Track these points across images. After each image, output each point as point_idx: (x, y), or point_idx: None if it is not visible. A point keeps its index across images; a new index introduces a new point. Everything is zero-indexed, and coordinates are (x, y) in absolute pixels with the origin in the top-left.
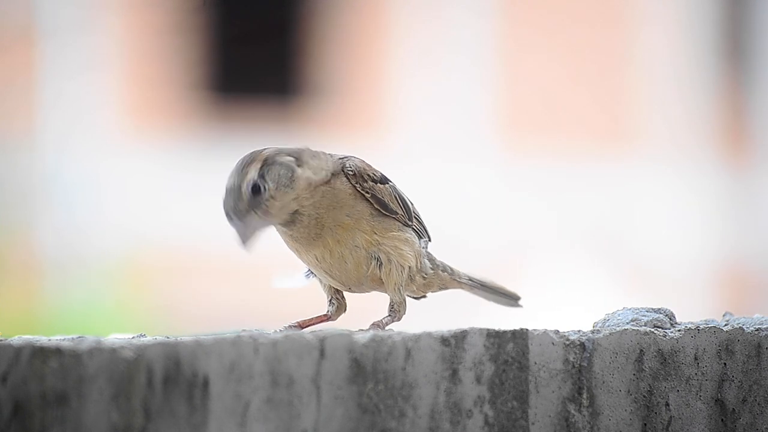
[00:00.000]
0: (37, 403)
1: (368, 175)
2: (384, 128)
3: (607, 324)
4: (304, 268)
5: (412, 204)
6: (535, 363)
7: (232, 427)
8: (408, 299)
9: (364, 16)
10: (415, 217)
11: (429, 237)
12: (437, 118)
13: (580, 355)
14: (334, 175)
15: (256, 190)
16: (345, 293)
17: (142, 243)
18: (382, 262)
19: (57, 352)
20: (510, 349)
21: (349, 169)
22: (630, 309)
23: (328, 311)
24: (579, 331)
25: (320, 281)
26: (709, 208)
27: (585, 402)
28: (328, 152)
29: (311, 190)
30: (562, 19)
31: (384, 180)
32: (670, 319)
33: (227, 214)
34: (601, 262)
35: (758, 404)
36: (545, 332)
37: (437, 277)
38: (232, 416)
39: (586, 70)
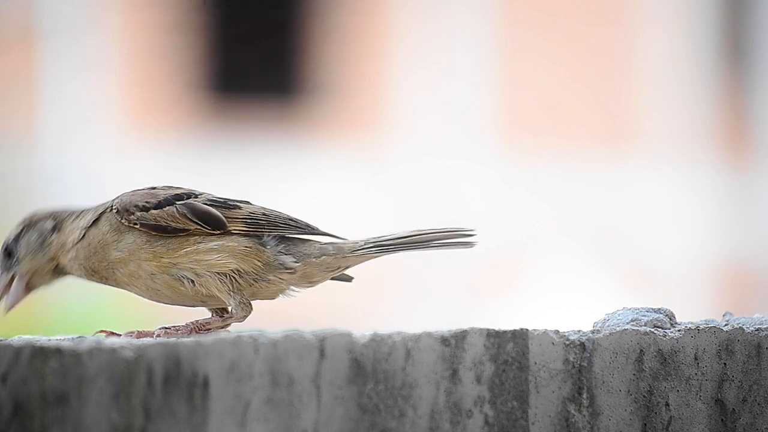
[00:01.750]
0: (37, 403)
1: (135, 206)
2: (384, 127)
3: (607, 324)
4: None
5: (235, 208)
6: (535, 363)
7: (232, 427)
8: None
9: (363, 16)
10: (243, 219)
11: (299, 227)
12: (437, 118)
13: (580, 355)
14: (95, 220)
15: (7, 252)
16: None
17: None
18: (192, 279)
19: (57, 352)
20: (510, 349)
21: (115, 206)
22: (630, 309)
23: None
24: (579, 331)
25: None
26: (709, 208)
27: (585, 402)
28: (104, 202)
29: (66, 250)
30: (563, 19)
31: (170, 202)
32: (670, 319)
33: None
34: (601, 262)
35: (758, 404)
36: (545, 332)
37: (312, 266)
38: (232, 416)
39: (586, 70)
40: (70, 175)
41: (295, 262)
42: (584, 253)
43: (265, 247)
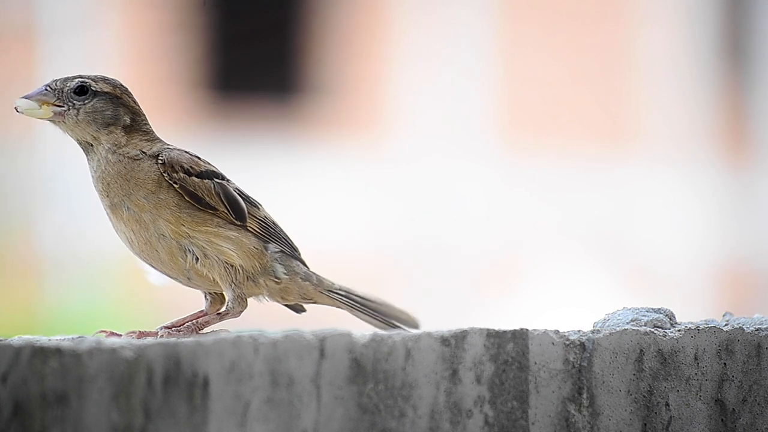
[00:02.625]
0: (37, 403)
1: (182, 166)
2: (384, 127)
3: (607, 324)
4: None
5: (255, 207)
6: (535, 363)
7: (232, 427)
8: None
9: (363, 15)
10: (259, 221)
11: (292, 246)
12: (437, 118)
13: (580, 355)
14: (148, 157)
15: (79, 91)
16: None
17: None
18: (198, 257)
19: (57, 352)
20: (510, 349)
21: (161, 157)
22: (630, 309)
23: (204, 308)
24: (579, 331)
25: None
26: (709, 208)
27: (585, 402)
28: (165, 142)
29: (112, 150)
30: (563, 19)
31: (207, 176)
32: (670, 319)
33: (48, 82)
34: (601, 262)
35: (758, 404)
36: (545, 332)
37: (295, 284)
38: (232, 416)
39: (586, 70)
40: (70, 175)
41: (285, 274)
42: (584, 253)
43: (266, 251)
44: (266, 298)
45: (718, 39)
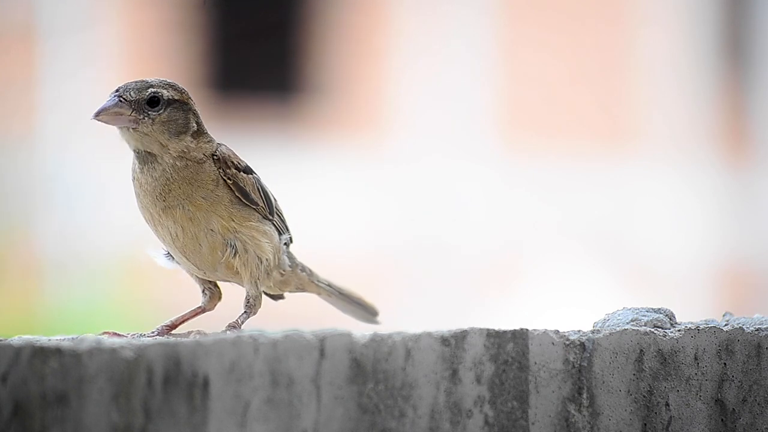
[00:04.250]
0: (37, 403)
1: (232, 162)
2: (384, 127)
3: (607, 324)
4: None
5: (275, 200)
6: (535, 363)
7: (232, 427)
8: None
9: (363, 15)
10: (277, 214)
11: (290, 235)
12: (437, 117)
13: (580, 355)
14: (207, 157)
15: (152, 102)
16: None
17: (141, 243)
18: (237, 251)
19: (57, 352)
20: (510, 349)
21: (216, 154)
22: (630, 309)
23: (202, 303)
24: (579, 331)
25: (186, 271)
26: (709, 208)
27: (585, 402)
28: (213, 137)
29: (180, 156)
30: (563, 19)
31: (248, 170)
32: (670, 319)
33: (117, 89)
34: (601, 262)
35: (758, 404)
36: (545, 332)
37: (295, 276)
38: (232, 416)
39: (586, 70)
40: (70, 175)
41: (289, 266)
42: (584, 253)
43: (280, 244)
44: (264, 290)
45: (718, 39)
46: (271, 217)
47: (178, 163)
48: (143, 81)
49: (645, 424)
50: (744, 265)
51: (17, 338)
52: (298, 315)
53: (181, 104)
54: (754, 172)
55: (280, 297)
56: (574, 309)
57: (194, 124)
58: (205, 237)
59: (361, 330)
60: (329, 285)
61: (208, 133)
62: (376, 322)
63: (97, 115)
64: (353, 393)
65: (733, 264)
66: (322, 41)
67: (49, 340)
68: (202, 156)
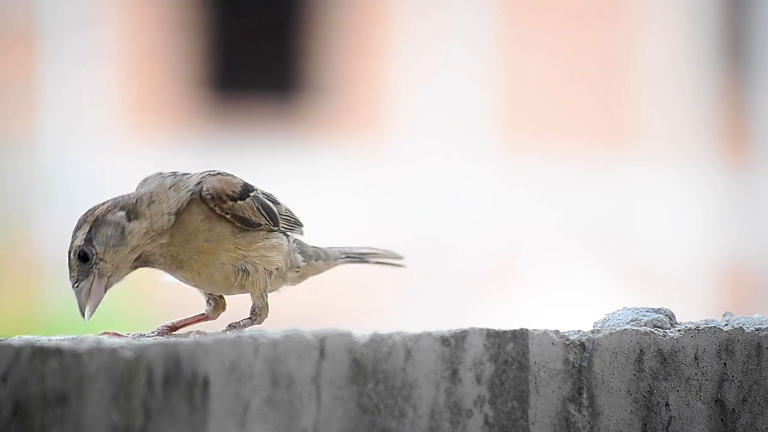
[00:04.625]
0: (37, 403)
1: (227, 195)
2: (384, 127)
3: (607, 324)
4: None
5: (277, 204)
6: (535, 363)
7: (232, 427)
8: (282, 298)
9: (364, 14)
10: (283, 215)
11: (301, 227)
12: (437, 117)
13: (580, 355)
14: (186, 204)
15: (83, 257)
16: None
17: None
18: (249, 272)
19: (57, 352)
20: (510, 349)
21: (206, 192)
22: (630, 309)
23: (205, 311)
24: (579, 331)
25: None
26: (709, 208)
27: (585, 402)
28: (183, 177)
29: (151, 236)
30: (563, 19)
31: (244, 194)
32: (670, 319)
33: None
34: (601, 262)
35: (758, 404)
36: (545, 332)
37: (311, 268)
38: (232, 416)
39: (586, 70)
40: (70, 175)
41: (303, 261)
42: (584, 253)
43: (290, 245)
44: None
45: (718, 39)
46: (275, 228)
47: (164, 241)
48: (67, 252)
49: (645, 424)
50: (744, 265)
51: (17, 338)
52: (298, 315)
53: (99, 224)
54: (754, 172)
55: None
56: (574, 309)
57: (122, 215)
58: (218, 271)
59: (361, 330)
60: (347, 256)
61: (150, 195)
62: (402, 266)
63: (89, 314)
64: (353, 393)
65: (733, 264)
66: (322, 41)
67: (49, 340)
68: (168, 216)
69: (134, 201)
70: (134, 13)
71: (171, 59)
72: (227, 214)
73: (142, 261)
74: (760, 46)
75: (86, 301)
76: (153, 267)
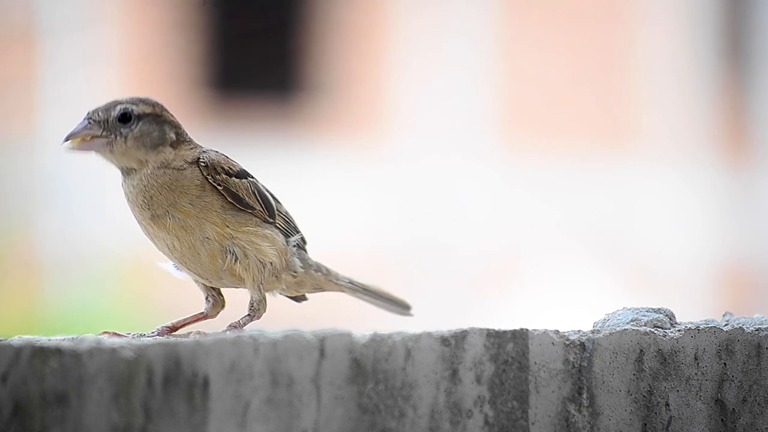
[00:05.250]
0: (37, 403)
1: (222, 167)
2: (384, 126)
3: (607, 324)
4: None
5: (277, 202)
6: (535, 363)
7: (232, 427)
8: (282, 298)
9: (364, 15)
10: (283, 216)
11: (303, 237)
12: (437, 117)
13: (580, 355)
14: (189, 164)
15: (124, 118)
16: (223, 290)
17: (141, 243)
18: (238, 257)
19: (57, 352)
20: (510, 349)
21: (202, 161)
22: (630, 309)
23: (204, 309)
24: (579, 331)
25: (192, 280)
26: (709, 208)
27: (585, 402)
28: (199, 144)
29: (159, 166)
30: (563, 19)
31: (242, 175)
32: (670, 319)
33: (87, 112)
34: (601, 262)
35: (758, 404)
36: (545, 332)
37: (309, 277)
38: (232, 416)
39: (586, 70)
40: (70, 175)
41: (301, 267)
42: (584, 253)
43: (287, 246)
44: (280, 292)
45: (718, 39)
46: (272, 220)
47: (157, 171)
48: (113, 101)
49: (645, 424)
50: (744, 265)
51: (17, 338)
52: (298, 315)
53: (154, 117)
54: (754, 172)
55: (303, 298)
56: (574, 309)
57: (172, 135)
58: (202, 245)
59: (361, 330)
60: (351, 282)
61: (192, 141)
62: (409, 315)
63: (67, 139)
64: (353, 393)
65: (733, 264)
66: (322, 41)
67: (49, 340)
68: (182, 163)
69: (185, 137)
70: (134, 13)
71: (171, 59)
72: (220, 185)
73: (130, 173)
74: (760, 46)
75: (80, 138)
76: (128, 185)
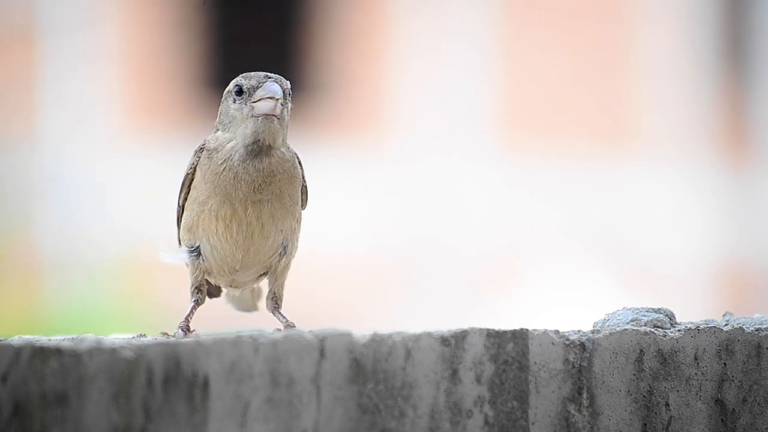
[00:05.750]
0: (37, 403)
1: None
2: (384, 126)
3: (607, 324)
4: (190, 244)
5: None
6: (535, 363)
7: (232, 427)
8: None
9: (364, 14)
10: None
11: None
12: (437, 117)
13: (580, 355)
14: (293, 156)
15: (287, 93)
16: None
17: (142, 243)
18: (285, 253)
19: (57, 352)
20: (510, 349)
21: (297, 155)
22: (630, 309)
23: (194, 299)
24: (579, 331)
25: (194, 266)
26: (709, 208)
27: (585, 402)
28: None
29: (285, 152)
30: (563, 19)
31: None
32: (670, 319)
33: (267, 76)
34: (601, 262)
35: (758, 404)
36: (545, 332)
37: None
38: (232, 416)
39: (587, 69)
40: (70, 175)
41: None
42: (584, 253)
43: None
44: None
45: (718, 39)
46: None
47: (283, 156)
48: (270, 74)
49: (645, 424)
50: (744, 265)
51: (17, 338)
52: (298, 315)
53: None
54: (754, 172)
55: (218, 294)
56: (574, 309)
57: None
58: (274, 237)
59: (361, 330)
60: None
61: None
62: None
63: (274, 99)
64: (353, 393)
65: (733, 264)
66: (322, 41)
67: (49, 340)
68: (292, 155)
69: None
70: (134, 13)
71: (171, 59)
72: (304, 181)
73: (269, 147)
74: (760, 46)
75: (280, 101)
76: (251, 164)
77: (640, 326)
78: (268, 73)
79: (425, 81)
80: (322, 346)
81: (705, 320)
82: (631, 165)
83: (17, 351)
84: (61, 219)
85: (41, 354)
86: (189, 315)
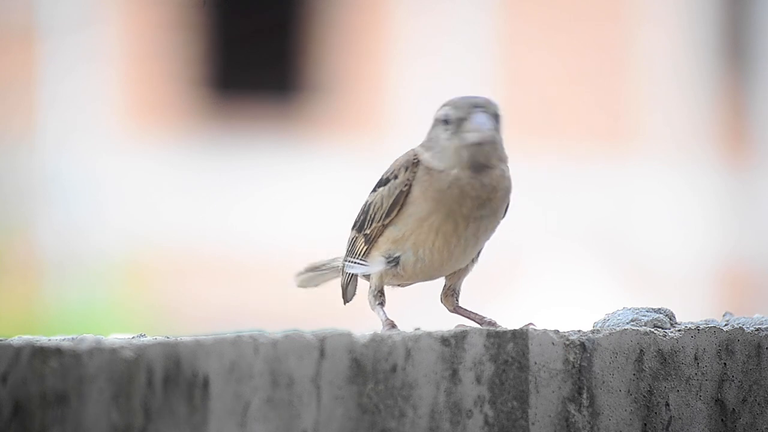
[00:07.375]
0: (37, 403)
1: None
2: (384, 126)
3: (607, 324)
4: (388, 255)
5: None
6: (535, 363)
7: (232, 427)
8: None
9: (363, 15)
10: None
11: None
12: None
13: (580, 355)
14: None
15: (497, 117)
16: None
17: (141, 243)
18: (476, 259)
19: (57, 352)
20: (510, 349)
21: (509, 176)
22: (630, 309)
23: (381, 300)
24: (579, 331)
25: (386, 274)
26: (709, 208)
27: (585, 402)
28: None
29: (504, 171)
30: (563, 19)
31: None
32: (670, 319)
33: (476, 105)
34: (601, 262)
35: (758, 404)
36: (545, 332)
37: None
38: (232, 416)
39: (586, 69)
40: (70, 175)
41: None
42: (584, 253)
43: None
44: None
45: (718, 39)
46: None
47: (504, 175)
48: (479, 96)
49: (645, 424)
50: (744, 265)
51: (17, 338)
52: (298, 315)
53: (501, 122)
54: (754, 172)
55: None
56: (574, 309)
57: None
58: (472, 251)
59: (361, 330)
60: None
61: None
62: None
63: (482, 133)
64: (353, 393)
65: (733, 264)
66: (322, 41)
67: (49, 340)
68: (509, 172)
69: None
70: (134, 13)
71: (171, 59)
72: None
73: (489, 166)
74: (760, 46)
75: (488, 131)
76: (466, 178)
77: (640, 326)
78: (477, 100)
79: (425, 81)
80: (322, 346)
81: (705, 320)
82: (631, 165)
83: (17, 351)
84: (60, 219)
85: (41, 354)
86: (386, 316)
